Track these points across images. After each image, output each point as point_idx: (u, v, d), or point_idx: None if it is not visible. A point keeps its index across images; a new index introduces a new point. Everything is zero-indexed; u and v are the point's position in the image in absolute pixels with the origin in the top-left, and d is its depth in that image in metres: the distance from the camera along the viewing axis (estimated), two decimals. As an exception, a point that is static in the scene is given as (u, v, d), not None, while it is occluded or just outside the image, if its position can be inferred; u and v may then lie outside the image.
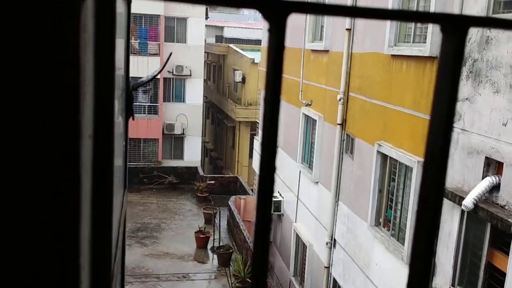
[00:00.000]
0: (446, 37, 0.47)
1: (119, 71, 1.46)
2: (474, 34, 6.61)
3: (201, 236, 17.66)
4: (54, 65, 0.47)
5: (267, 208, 0.53)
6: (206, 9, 27.41)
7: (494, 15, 6.39)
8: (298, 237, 13.57)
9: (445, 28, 0.46)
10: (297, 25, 13.67)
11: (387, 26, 8.86)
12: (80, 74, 0.47)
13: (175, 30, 26.48)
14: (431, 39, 7.53)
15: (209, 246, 17.70)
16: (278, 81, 0.47)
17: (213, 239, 17.51)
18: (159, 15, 25.51)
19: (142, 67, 24.34)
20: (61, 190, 0.55)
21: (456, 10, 6.95)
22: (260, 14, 0.47)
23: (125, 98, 1.48)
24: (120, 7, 1.44)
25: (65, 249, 0.59)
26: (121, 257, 1.62)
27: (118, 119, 1.36)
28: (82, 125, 0.53)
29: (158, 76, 25.01)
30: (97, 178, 0.80)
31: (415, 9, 8.34)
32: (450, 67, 0.48)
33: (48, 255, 0.58)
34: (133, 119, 1.67)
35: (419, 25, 8.30)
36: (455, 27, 0.46)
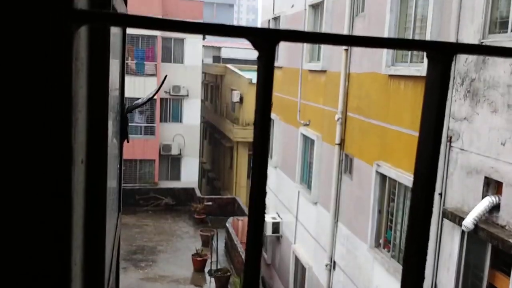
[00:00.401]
0: (432, 64, 0.47)
1: (114, 92, 1.47)
2: (470, 54, 6.67)
3: (198, 259, 17.47)
4: (46, 92, 0.47)
5: (258, 232, 0.52)
6: (204, 30, 27.65)
7: (490, 35, 6.45)
8: (297, 259, 13.45)
9: (431, 55, 0.47)
10: (295, 45, 13.79)
11: (384, 47, 8.93)
12: (72, 100, 0.48)
13: (172, 51, 26.68)
14: (427, 60, 7.59)
15: (206, 269, 17.50)
16: (268, 107, 0.48)
17: (211, 262, 17.32)
18: (156, 36, 25.73)
19: (139, 87, 24.41)
20: (52, 213, 0.55)
21: (452, 30, 7.03)
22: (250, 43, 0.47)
23: (120, 120, 1.48)
24: (115, 29, 1.45)
25: (56, 274, 0.58)
26: (115, 281, 1.60)
27: (113, 141, 1.36)
28: (74, 150, 0.53)
29: (155, 97, 25.09)
30: (90, 202, 0.80)
31: (411, 28, 8.43)
32: (436, 92, 0.48)
33: (38, 280, 0.58)
34: (127, 141, 1.66)
35: (415, 46, 8.37)
36: (440, 54, 0.46)
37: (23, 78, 0.48)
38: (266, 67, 0.45)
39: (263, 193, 0.54)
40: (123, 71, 1.78)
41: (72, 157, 0.52)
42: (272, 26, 16.10)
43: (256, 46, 0.45)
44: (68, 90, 0.46)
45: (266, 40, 0.44)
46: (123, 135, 1.58)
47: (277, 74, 14.36)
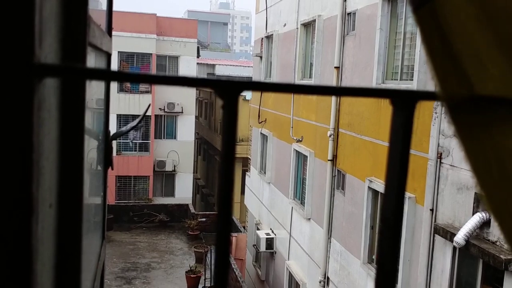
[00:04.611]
0: (396, 110, 0.48)
1: (98, 121, 1.47)
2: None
3: (192, 276, 17.33)
4: (3, 148, 0.46)
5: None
6: (198, 47, 27.81)
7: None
8: (291, 275, 13.38)
9: (395, 102, 0.47)
10: (287, 62, 13.88)
11: (375, 64, 9.02)
12: (32, 149, 0.47)
13: (166, 68, 26.77)
14: (418, 77, 7.66)
15: (200, 286, 17.36)
16: (231, 154, 0.48)
17: (205, 279, 17.19)
18: (151, 54, 25.83)
19: (134, 104, 24.47)
20: (13, 265, 0.51)
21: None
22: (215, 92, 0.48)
23: (104, 148, 1.48)
24: (98, 57, 1.46)
25: None
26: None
27: (97, 169, 1.35)
28: (36, 196, 0.51)
29: (150, 113, 25.12)
30: (63, 247, 0.77)
31: (401, 46, 8.50)
32: (400, 137, 0.49)
33: None
34: (112, 169, 1.66)
35: (406, 62, 8.46)
36: (403, 101, 0.47)
37: None
38: (229, 116, 0.46)
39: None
40: (108, 96, 1.79)
41: (32, 205, 0.50)
42: (265, 44, 16.23)
43: (220, 96, 0.46)
44: (27, 139, 0.45)
45: (229, 90, 0.45)
46: (107, 162, 1.58)
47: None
